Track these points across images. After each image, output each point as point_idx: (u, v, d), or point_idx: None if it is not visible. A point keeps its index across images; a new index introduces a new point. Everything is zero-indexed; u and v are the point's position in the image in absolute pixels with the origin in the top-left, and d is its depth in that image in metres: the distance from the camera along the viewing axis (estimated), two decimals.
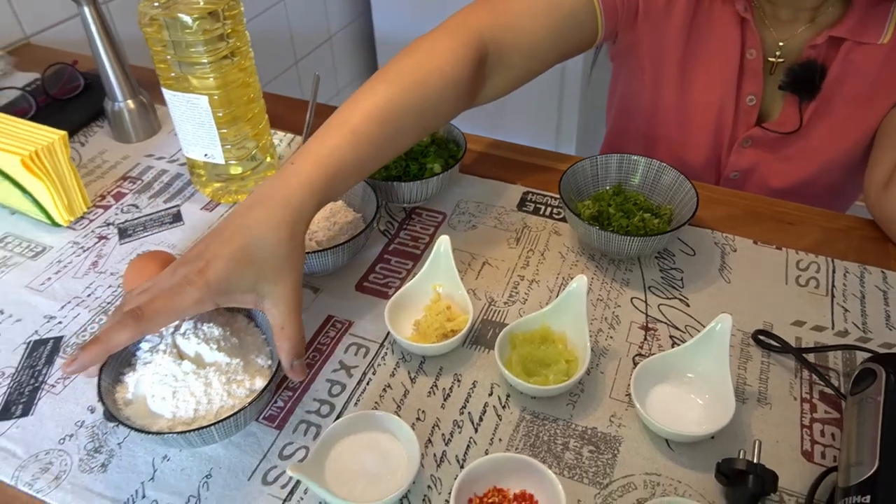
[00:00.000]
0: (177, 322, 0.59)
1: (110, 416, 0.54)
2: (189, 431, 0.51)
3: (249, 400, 0.55)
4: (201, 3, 0.71)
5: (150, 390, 0.56)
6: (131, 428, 0.52)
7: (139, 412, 0.55)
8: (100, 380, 0.55)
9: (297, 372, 0.57)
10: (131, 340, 0.52)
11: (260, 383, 0.57)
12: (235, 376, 0.57)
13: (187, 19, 0.69)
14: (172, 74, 0.74)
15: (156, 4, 0.71)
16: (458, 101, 0.72)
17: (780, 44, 0.82)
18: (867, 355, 0.58)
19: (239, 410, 0.53)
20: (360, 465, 0.54)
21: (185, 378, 0.55)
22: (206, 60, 0.72)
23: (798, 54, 0.81)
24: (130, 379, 0.57)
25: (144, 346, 0.59)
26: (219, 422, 0.52)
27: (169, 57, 0.72)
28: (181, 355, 0.57)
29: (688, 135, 0.91)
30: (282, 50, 1.90)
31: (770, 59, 0.83)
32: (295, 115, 0.97)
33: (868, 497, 0.46)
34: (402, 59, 0.70)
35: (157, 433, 0.52)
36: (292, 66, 1.97)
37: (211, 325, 0.58)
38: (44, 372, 0.64)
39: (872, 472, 0.47)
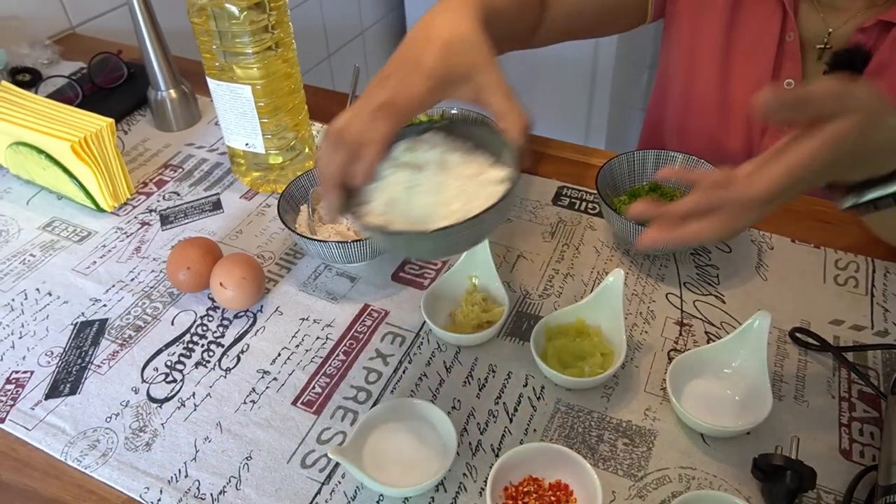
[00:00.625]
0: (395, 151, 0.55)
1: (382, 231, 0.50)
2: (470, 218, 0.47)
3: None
4: None
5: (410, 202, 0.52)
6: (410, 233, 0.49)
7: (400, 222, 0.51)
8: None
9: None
10: (390, 133, 0.51)
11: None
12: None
13: (234, 9, 0.71)
14: (217, 64, 0.75)
15: None
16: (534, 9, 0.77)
17: (830, 31, 0.81)
18: None
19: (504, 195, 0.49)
20: (397, 451, 0.55)
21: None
22: (250, 51, 0.73)
23: (847, 40, 0.80)
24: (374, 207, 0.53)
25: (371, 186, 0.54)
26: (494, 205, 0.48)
27: (215, 47, 0.74)
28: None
29: (725, 120, 0.90)
30: (315, 43, 1.92)
31: (817, 45, 0.82)
32: (333, 106, 0.97)
33: None
34: None
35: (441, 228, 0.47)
36: (325, 59, 1.98)
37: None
38: (90, 352, 0.66)
39: None
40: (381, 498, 0.54)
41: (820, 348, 0.64)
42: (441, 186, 0.52)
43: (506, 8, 0.69)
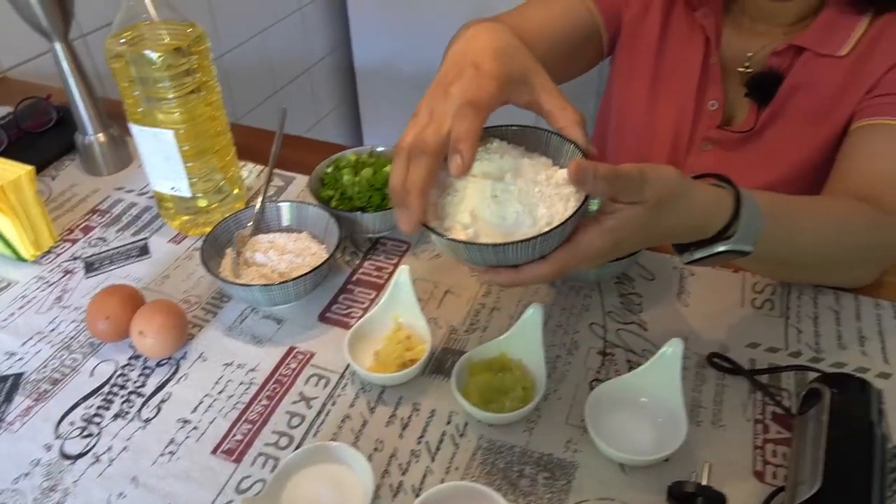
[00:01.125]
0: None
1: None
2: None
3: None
4: (166, 40, 0.72)
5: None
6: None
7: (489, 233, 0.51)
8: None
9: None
10: (480, 127, 0.52)
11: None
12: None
13: (153, 55, 0.71)
14: (140, 109, 0.75)
15: (122, 41, 0.72)
16: None
17: (749, 54, 0.84)
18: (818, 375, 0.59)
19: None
20: (316, 497, 0.55)
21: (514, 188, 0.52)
22: (171, 96, 0.73)
23: (764, 62, 0.83)
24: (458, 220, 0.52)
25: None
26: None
27: (136, 93, 0.74)
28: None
29: (650, 142, 0.93)
30: (261, 81, 1.92)
31: (739, 68, 0.85)
32: (264, 145, 0.98)
33: None
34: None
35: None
36: (272, 95, 1.99)
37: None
38: (2, 409, 0.64)
39: (815, 491, 0.48)
40: None
41: (735, 372, 0.65)
42: (524, 193, 0.52)
43: None
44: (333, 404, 0.64)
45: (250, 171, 0.95)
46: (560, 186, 0.52)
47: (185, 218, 0.84)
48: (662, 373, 0.61)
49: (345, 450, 0.56)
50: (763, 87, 0.83)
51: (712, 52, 0.85)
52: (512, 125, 0.58)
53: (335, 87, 2.27)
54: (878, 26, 0.76)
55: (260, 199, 0.78)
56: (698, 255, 0.56)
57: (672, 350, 0.60)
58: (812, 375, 0.64)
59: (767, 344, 0.69)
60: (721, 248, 0.54)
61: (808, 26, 0.79)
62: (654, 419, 0.60)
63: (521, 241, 0.49)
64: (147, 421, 0.63)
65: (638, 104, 0.93)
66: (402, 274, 0.68)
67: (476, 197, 0.52)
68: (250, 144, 0.97)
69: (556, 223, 0.49)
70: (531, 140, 0.57)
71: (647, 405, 0.61)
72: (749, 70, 0.85)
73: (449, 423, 0.62)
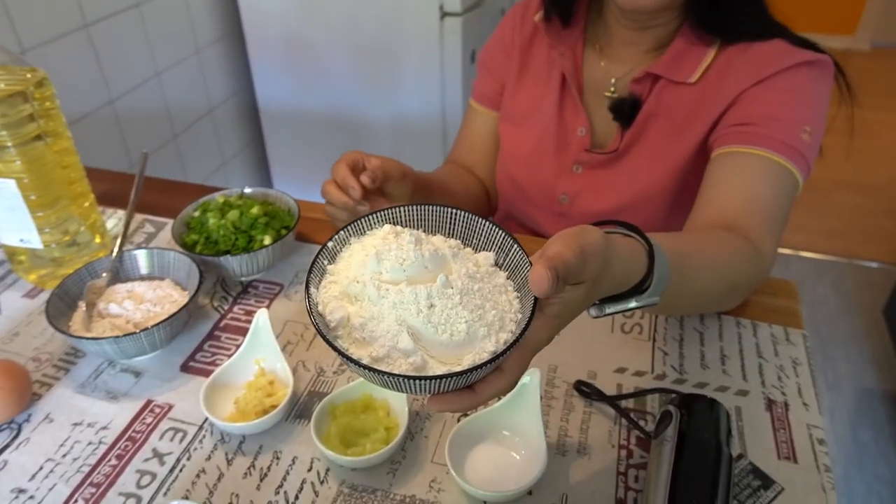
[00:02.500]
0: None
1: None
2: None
3: None
4: (2, 85, 0.69)
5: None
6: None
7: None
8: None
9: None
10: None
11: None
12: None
13: None
14: None
15: None
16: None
17: (613, 80, 0.87)
18: None
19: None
20: None
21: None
22: (10, 144, 0.69)
23: (626, 88, 0.87)
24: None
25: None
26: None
27: None
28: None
29: (531, 172, 0.95)
30: (158, 125, 1.87)
31: (605, 93, 0.88)
32: (127, 190, 0.94)
33: None
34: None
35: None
36: (171, 140, 1.94)
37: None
38: None
39: None
40: None
41: (599, 398, 0.65)
42: (466, 294, 0.44)
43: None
44: (189, 459, 0.60)
45: (120, 219, 0.92)
46: (491, 275, 0.47)
47: (43, 272, 0.79)
48: (522, 404, 0.60)
49: None
50: (623, 111, 0.86)
51: (570, 87, 0.88)
52: (413, 204, 0.50)
53: (240, 129, 2.24)
54: (725, 57, 0.81)
55: (117, 247, 0.75)
56: (610, 310, 0.51)
57: (530, 380, 0.60)
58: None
59: (634, 368, 0.69)
60: (633, 304, 0.51)
61: (662, 55, 0.83)
62: (517, 451, 0.60)
63: (484, 364, 0.41)
64: None
65: (511, 141, 0.96)
66: (261, 317, 0.66)
67: (409, 311, 0.43)
68: (121, 191, 0.94)
69: (509, 326, 0.44)
70: (435, 220, 0.50)
71: (509, 438, 0.60)
72: (614, 94, 0.88)
73: (310, 469, 0.60)
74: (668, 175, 0.85)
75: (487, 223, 0.49)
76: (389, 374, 0.41)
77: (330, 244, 0.48)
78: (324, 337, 0.42)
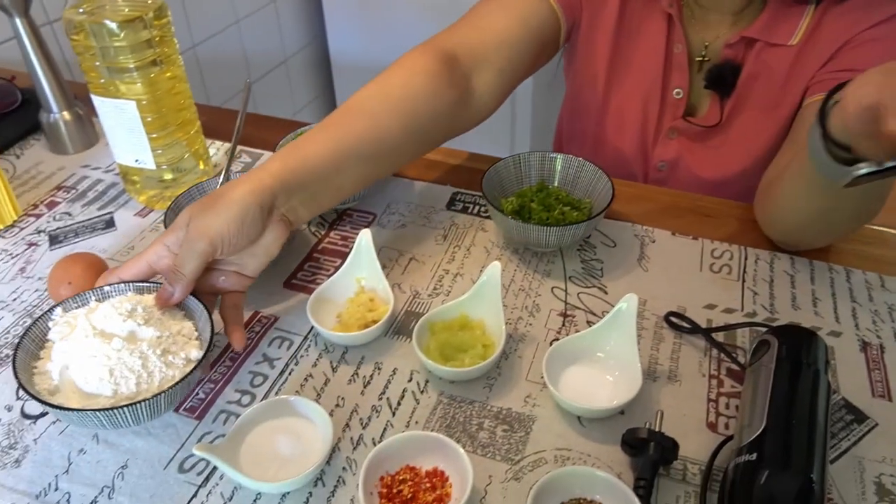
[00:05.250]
0: (89, 304, 0.60)
1: (44, 403, 0.52)
2: (139, 402, 0.51)
3: (190, 368, 0.55)
4: (126, 10, 0.72)
5: (82, 374, 0.54)
6: (69, 409, 0.51)
7: (72, 397, 0.54)
8: (16, 372, 0.54)
9: (236, 339, 0.62)
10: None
11: (196, 353, 0.57)
12: (170, 347, 0.57)
13: (113, 25, 0.71)
14: (101, 81, 0.75)
15: (81, 11, 0.72)
16: (438, 92, 0.73)
17: (706, 44, 0.86)
18: None
19: (184, 377, 0.54)
20: (274, 448, 0.55)
21: (120, 354, 0.54)
22: (132, 66, 0.73)
23: (719, 54, 0.85)
24: (51, 367, 0.56)
25: (54, 335, 0.58)
26: (169, 389, 0.52)
27: (97, 63, 0.74)
28: (104, 335, 0.56)
29: (617, 129, 0.94)
30: (236, 72, 1.92)
31: (697, 58, 0.87)
32: (232, 126, 0.98)
33: (755, 454, 0.48)
34: (373, 83, 0.73)
35: (106, 409, 0.51)
36: (242, 94, 1.98)
37: (126, 301, 0.58)
38: None
39: (760, 431, 0.50)
40: (259, 496, 0.54)
41: (691, 330, 0.66)
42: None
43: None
44: (296, 364, 0.64)
45: (217, 150, 0.96)
46: (177, 354, 0.58)
47: (152, 192, 0.84)
48: (618, 328, 0.62)
49: (305, 403, 0.57)
50: (723, 78, 0.85)
51: (676, 40, 0.86)
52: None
53: (312, 79, 2.28)
54: (824, 13, 0.78)
55: (224, 168, 0.78)
56: (865, 170, 0.54)
57: (627, 305, 0.62)
58: None
59: (724, 305, 0.70)
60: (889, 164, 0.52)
61: (756, 18, 0.81)
62: (610, 373, 0.62)
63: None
64: None
65: (595, 91, 0.93)
66: (364, 237, 0.69)
67: (80, 360, 0.56)
68: (218, 124, 0.98)
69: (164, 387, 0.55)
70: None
71: (604, 360, 0.62)
72: (706, 59, 0.87)
73: (410, 380, 0.63)
74: (769, 144, 0.84)
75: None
76: None
77: None
78: None
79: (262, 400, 0.61)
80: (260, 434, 0.56)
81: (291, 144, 0.66)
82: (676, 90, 0.88)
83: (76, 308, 0.60)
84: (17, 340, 0.58)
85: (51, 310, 0.59)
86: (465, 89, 0.76)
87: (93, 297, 0.61)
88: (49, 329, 0.58)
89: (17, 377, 0.54)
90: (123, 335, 0.56)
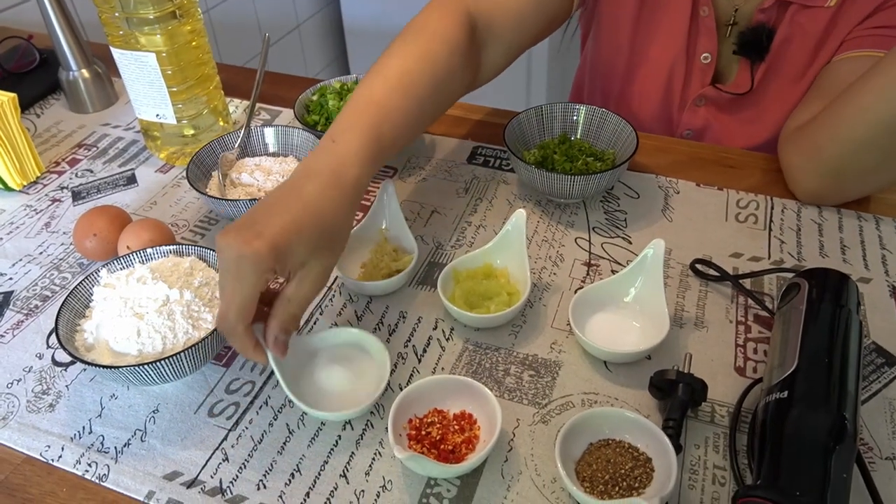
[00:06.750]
0: (133, 266, 0.61)
1: (76, 359, 0.54)
2: (161, 360, 0.52)
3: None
4: None
5: (112, 333, 0.56)
6: (99, 366, 0.53)
7: (105, 354, 0.55)
8: (57, 329, 0.55)
9: (279, 347, 0.52)
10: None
11: None
12: (199, 312, 0.58)
13: None
14: (121, 33, 0.75)
15: None
16: (465, 69, 0.70)
17: (735, 9, 0.83)
18: None
19: (208, 336, 0.55)
20: (324, 382, 0.57)
21: (148, 316, 0.56)
22: (152, 16, 0.73)
23: (750, 18, 0.83)
24: (89, 326, 0.57)
25: (98, 294, 0.59)
26: (188, 348, 0.53)
27: (117, 14, 0.73)
28: (138, 299, 0.58)
29: (642, 92, 0.92)
30: (249, 37, 1.91)
31: (726, 23, 0.85)
32: (250, 84, 0.97)
33: (786, 392, 0.48)
34: (402, 36, 0.68)
35: (129, 366, 0.52)
36: (259, 54, 1.97)
37: (168, 262, 0.60)
38: None
39: (792, 370, 0.49)
40: (288, 439, 0.54)
41: (719, 278, 0.66)
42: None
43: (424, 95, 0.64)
44: (321, 314, 0.65)
45: (236, 107, 0.95)
46: (205, 319, 0.58)
47: (172, 149, 0.84)
48: (645, 273, 0.61)
49: (356, 334, 0.59)
50: (756, 42, 0.82)
51: (703, 3, 0.83)
52: None
53: (325, 46, 2.26)
54: None
55: (245, 122, 0.78)
56: None
57: (654, 251, 0.61)
58: None
59: (750, 254, 0.69)
60: None
61: None
62: (636, 319, 0.61)
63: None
64: None
65: (620, 55, 0.91)
66: (388, 188, 0.68)
67: (112, 319, 0.57)
68: (236, 82, 0.97)
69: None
70: None
71: (630, 305, 0.62)
72: (735, 24, 0.84)
73: (435, 328, 0.63)
74: None
75: None
76: None
77: None
78: None
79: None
80: (318, 361, 0.58)
81: (381, 114, 0.60)
82: (704, 55, 0.86)
83: (120, 269, 0.61)
84: (62, 297, 0.59)
85: (97, 270, 0.61)
86: (476, 65, 0.74)
87: (136, 259, 0.62)
88: (93, 290, 0.60)
89: (57, 335, 0.55)
90: (159, 297, 0.57)
